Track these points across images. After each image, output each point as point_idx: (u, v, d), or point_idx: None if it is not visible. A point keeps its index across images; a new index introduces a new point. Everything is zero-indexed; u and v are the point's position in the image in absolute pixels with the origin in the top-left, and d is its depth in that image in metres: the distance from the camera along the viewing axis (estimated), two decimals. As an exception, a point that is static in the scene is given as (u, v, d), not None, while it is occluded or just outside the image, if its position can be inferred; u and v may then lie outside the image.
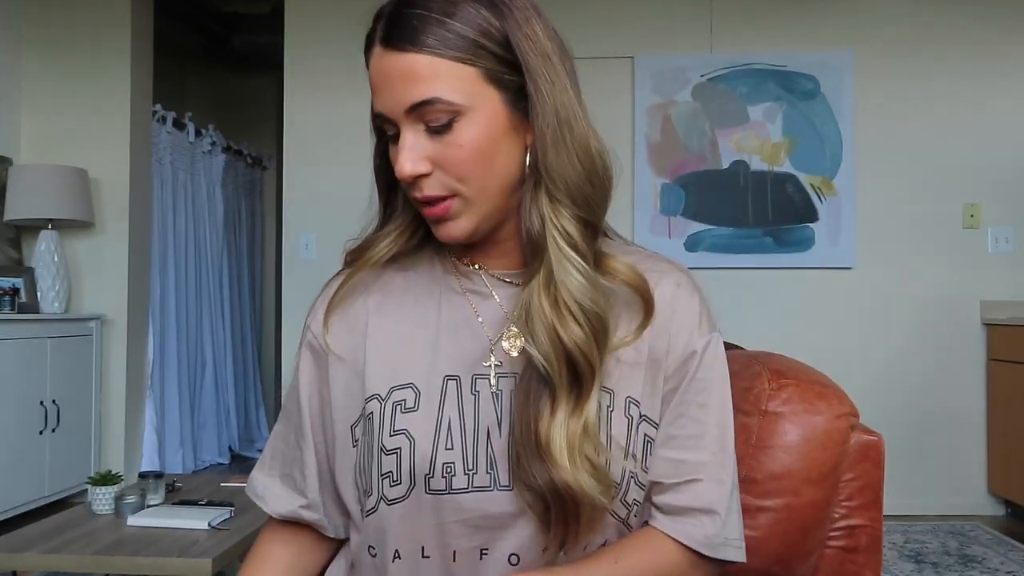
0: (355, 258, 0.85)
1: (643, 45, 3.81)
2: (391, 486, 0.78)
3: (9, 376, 3.20)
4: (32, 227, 3.74)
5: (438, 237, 0.79)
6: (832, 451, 0.94)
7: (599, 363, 0.76)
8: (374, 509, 0.80)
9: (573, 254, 0.75)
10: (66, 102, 3.88)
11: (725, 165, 3.78)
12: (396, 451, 0.77)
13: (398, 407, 0.79)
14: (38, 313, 3.57)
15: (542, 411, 0.74)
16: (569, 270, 0.75)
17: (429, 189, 0.75)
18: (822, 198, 3.75)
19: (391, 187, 0.84)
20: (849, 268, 3.75)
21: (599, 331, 0.75)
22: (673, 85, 3.80)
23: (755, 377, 0.98)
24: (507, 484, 0.76)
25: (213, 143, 4.97)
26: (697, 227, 3.77)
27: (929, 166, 3.75)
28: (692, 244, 3.76)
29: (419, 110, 0.73)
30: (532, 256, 0.77)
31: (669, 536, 0.80)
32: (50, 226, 3.65)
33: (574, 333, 0.74)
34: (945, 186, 3.74)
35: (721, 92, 3.79)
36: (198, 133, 4.80)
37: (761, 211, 3.76)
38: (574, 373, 0.74)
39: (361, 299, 0.86)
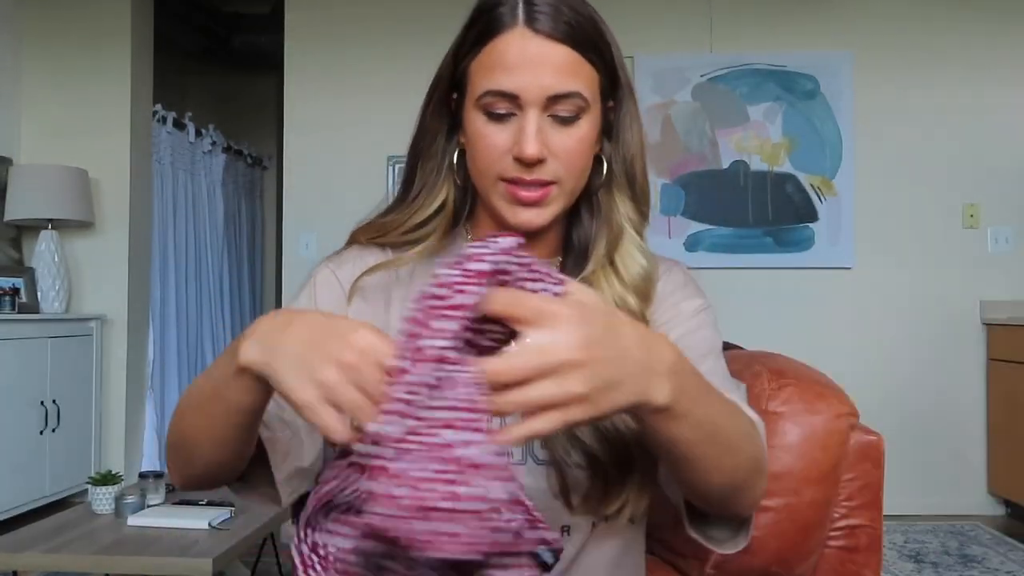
0: (381, 238, 0.88)
1: (643, 45, 3.81)
2: None
3: (9, 376, 3.20)
4: (32, 227, 3.74)
5: (518, 223, 0.81)
6: (832, 451, 0.94)
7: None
8: None
9: (640, 241, 0.87)
10: (66, 102, 3.88)
11: (725, 165, 3.78)
12: None
13: None
14: (38, 313, 3.57)
15: None
16: (635, 254, 0.86)
17: (541, 173, 0.79)
18: (822, 198, 3.75)
19: (444, 179, 0.86)
20: (849, 268, 3.75)
21: (648, 303, 0.87)
22: (673, 85, 3.80)
23: (755, 377, 0.99)
24: (520, 460, 0.82)
25: (213, 143, 4.96)
26: (697, 227, 3.77)
27: (929, 166, 3.75)
28: (692, 244, 3.76)
29: (559, 100, 0.77)
30: (595, 242, 0.86)
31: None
32: (50, 226, 3.65)
33: (634, 303, 0.85)
34: (945, 186, 3.74)
35: (721, 92, 3.79)
36: (198, 133, 4.79)
37: (761, 211, 3.76)
38: None
39: (383, 275, 0.88)
